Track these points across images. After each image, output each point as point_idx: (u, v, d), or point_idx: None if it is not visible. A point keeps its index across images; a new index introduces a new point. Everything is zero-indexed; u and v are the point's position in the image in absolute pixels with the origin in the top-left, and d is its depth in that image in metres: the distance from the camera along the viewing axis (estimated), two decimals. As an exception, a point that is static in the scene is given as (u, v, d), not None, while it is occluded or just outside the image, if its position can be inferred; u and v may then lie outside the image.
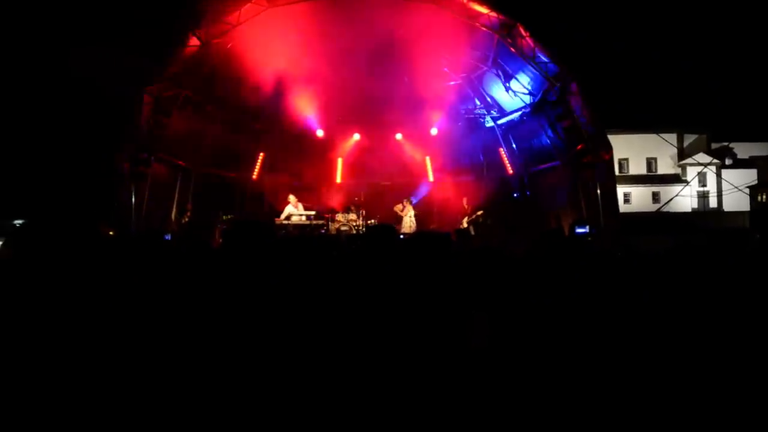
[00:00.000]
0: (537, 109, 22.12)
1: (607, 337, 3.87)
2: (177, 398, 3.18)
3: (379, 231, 4.06)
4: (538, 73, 20.25)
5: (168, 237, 15.76)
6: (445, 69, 23.75)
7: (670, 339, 3.88)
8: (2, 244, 3.86)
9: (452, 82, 24.33)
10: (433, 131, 24.95)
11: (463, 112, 24.82)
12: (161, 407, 3.16)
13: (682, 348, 3.82)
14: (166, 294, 3.83)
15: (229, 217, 20.63)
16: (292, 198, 22.12)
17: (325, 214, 22.24)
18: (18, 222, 14.76)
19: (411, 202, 23.91)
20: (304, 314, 3.60)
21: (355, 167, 26.11)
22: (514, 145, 24.96)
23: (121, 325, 3.42)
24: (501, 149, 25.35)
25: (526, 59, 20.00)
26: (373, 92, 22.86)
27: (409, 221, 23.19)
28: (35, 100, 17.11)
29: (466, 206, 23.40)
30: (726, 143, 59.57)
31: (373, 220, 23.07)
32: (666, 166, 62.15)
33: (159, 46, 17.68)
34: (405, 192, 25.24)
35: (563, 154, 21.74)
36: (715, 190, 58.39)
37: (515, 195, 25.06)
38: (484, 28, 19.88)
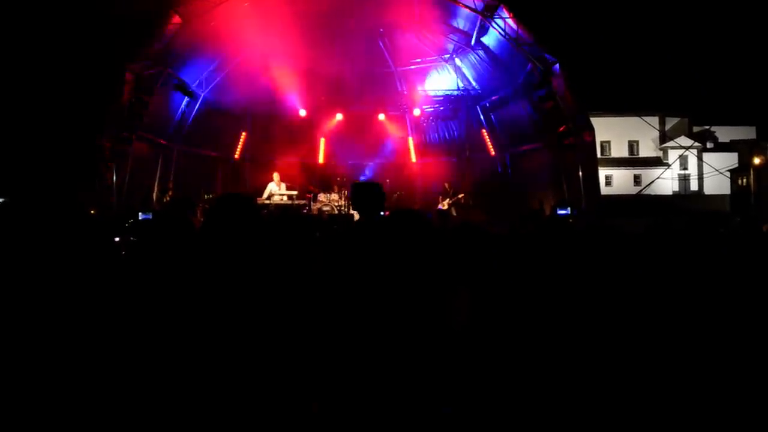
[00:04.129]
0: (520, 90, 22.16)
1: (588, 316, 3.90)
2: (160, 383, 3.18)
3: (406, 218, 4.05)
4: (521, 54, 20.25)
5: (149, 216, 15.72)
6: (429, 49, 23.75)
7: (650, 315, 3.92)
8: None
9: (436, 63, 24.34)
10: (416, 112, 24.95)
11: (446, 92, 24.80)
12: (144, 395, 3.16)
13: (662, 325, 3.86)
14: (151, 273, 3.82)
15: (210, 196, 20.58)
16: (275, 176, 22.00)
17: (307, 194, 22.17)
18: (-2, 200, 14.66)
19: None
20: (286, 294, 3.60)
21: (337, 147, 26.08)
22: (496, 127, 24.98)
23: (107, 307, 3.41)
24: (483, 130, 25.36)
25: (510, 41, 19.99)
26: (355, 72, 22.82)
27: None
28: (13, 76, 16.95)
29: (447, 188, 23.41)
30: (707, 127, 59.79)
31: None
32: (648, 149, 62.33)
33: (140, 23, 17.54)
34: (387, 173, 25.27)
35: (545, 136, 21.79)
36: (696, 173, 58.69)
37: (497, 176, 25.10)
38: (468, 9, 19.86)
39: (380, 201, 5.19)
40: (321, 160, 26.45)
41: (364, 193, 5.19)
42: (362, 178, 25.27)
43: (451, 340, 3.52)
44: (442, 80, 24.79)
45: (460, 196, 23.05)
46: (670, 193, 56.43)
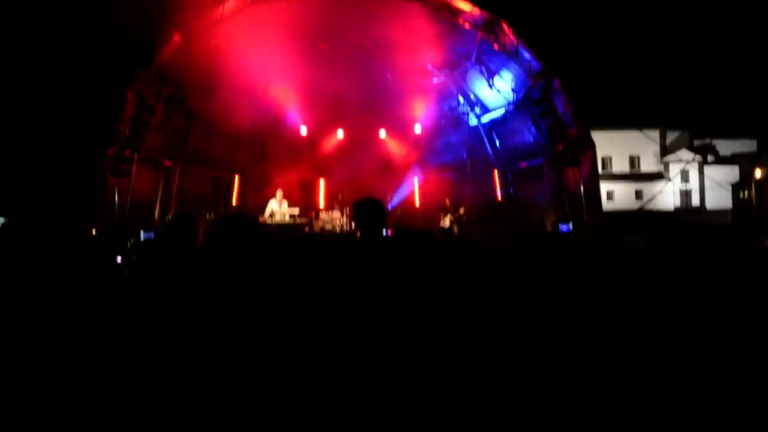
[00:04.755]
0: (520, 106, 22.17)
1: (590, 331, 3.89)
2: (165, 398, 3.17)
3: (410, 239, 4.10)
4: (521, 70, 20.28)
5: (151, 235, 15.71)
6: (429, 66, 23.78)
7: (652, 332, 3.91)
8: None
9: (435, 80, 24.36)
10: (417, 129, 24.96)
11: (447, 109, 24.81)
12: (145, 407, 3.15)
13: (663, 341, 3.85)
14: (154, 293, 3.81)
15: (212, 215, 20.58)
16: (278, 194, 21.99)
17: (309, 212, 22.20)
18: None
19: None
20: (289, 312, 3.59)
21: (338, 165, 26.10)
22: (497, 143, 25.01)
23: (109, 323, 3.40)
24: (485, 147, 25.41)
25: (510, 56, 20.03)
26: (356, 90, 22.85)
27: None
28: (16, 96, 17.00)
29: (448, 204, 23.41)
30: (708, 140, 59.92)
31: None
32: (649, 163, 62.41)
33: (142, 41, 17.60)
34: (388, 189, 25.30)
35: (546, 152, 21.80)
36: (698, 188, 58.75)
37: (499, 193, 25.11)
38: (467, 25, 19.89)
39: (382, 219, 5.22)
40: (322, 177, 26.47)
41: (366, 211, 5.21)
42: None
43: (455, 362, 3.52)
44: (443, 97, 24.80)
45: (461, 211, 23.05)
46: (672, 207, 56.48)
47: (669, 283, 4.73)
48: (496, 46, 20.11)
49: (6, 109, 16.93)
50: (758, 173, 45.06)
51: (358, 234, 4.86)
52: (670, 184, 48.34)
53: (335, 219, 21.83)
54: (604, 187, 45.70)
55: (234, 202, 25.29)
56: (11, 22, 17.14)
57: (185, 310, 3.47)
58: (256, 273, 3.71)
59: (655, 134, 57.96)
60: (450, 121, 25.07)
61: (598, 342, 3.84)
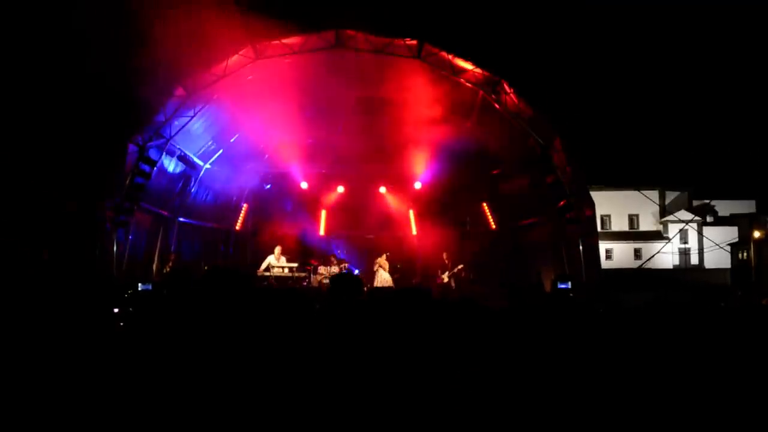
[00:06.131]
0: (521, 164, 22.25)
1: (587, 390, 3.86)
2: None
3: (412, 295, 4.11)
4: (522, 128, 20.35)
5: (149, 287, 15.65)
6: (430, 123, 23.94)
7: (652, 394, 3.88)
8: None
9: (437, 137, 24.48)
10: (417, 185, 25.03)
11: (448, 166, 24.85)
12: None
13: (663, 404, 3.82)
14: (148, 348, 3.79)
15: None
16: (277, 249, 22.01)
17: (307, 266, 22.19)
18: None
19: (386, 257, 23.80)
20: (286, 366, 3.57)
21: (338, 219, 26.16)
22: (497, 200, 25.06)
23: (99, 378, 3.38)
24: (484, 204, 25.48)
25: (511, 115, 20.13)
26: (357, 145, 22.97)
27: (386, 275, 23.06)
28: (16, 144, 17.05)
29: (446, 260, 23.40)
30: (707, 201, 59.99)
31: (357, 271, 23.11)
32: (648, 222, 62.42)
33: (145, 94, 17.68)
34: (388, 245, 25.30)
35: (546, 210, 21.81)
36: (697, 247, 58.67)
37: (497, 249, 25.09)
38: (469, 84, 20.04)
39: (356, 291, 5.24)
40: (322, 232, 26.50)
41: (340, 286, 5.24)
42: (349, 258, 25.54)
43: (452, 417, 3.49)
44: (444, 153, 24.86)
45: (460, 267, 23.04)
46: (671, 266, 56.39)
47: (667, 342, 4.71)
48: (497, 105, 20.23)
49: (9, 163, 16.97)
50: (757, 233, 45.15)
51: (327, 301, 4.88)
52: (669, 243, 48.30)
53: (333, 273, 21.80)
54: (603, 245, 45.75)
55: (233, 256, 25.24)
56: (19, 76, 17.28)
57: (180, 366, 3.45)
58: (250, 325, 3.70)
59: (654, 194, 58.11)
60: (450, 178, 25.11)
61: (594, 401, 3.82)
